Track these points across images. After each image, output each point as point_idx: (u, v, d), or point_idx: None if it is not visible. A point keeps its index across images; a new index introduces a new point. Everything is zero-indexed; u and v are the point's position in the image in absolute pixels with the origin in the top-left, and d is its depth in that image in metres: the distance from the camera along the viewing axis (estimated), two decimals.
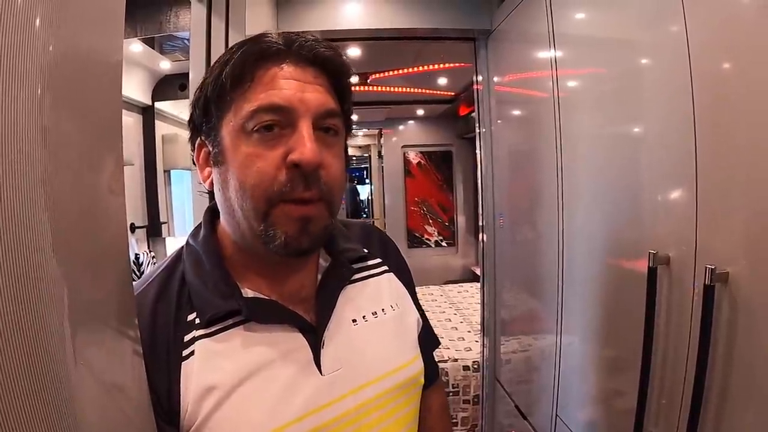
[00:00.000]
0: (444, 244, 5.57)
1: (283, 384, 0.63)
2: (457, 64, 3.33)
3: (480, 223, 2.25)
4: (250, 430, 0.61)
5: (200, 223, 0.72)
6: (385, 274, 0.81)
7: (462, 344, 3.00)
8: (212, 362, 0.61)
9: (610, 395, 1.16)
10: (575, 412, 1.32)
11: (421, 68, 3.46)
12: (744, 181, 0.77)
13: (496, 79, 1.99)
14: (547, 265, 1.45)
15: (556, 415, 1.39)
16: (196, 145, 0.67)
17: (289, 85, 0.60)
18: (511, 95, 1.88)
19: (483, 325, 2.25)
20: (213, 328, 0.63)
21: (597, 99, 1.21)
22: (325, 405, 0.65)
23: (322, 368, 0.66)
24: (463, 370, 2.71)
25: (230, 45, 0.66)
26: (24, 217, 0.36)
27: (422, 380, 0.79)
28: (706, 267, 0.80)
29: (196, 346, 0.62)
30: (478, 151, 2.19)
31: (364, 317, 0.73)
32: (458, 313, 3.73)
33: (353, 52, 2.60)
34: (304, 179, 0.59)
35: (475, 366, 2.69)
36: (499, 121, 2.00)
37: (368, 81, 3.62)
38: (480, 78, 2.10)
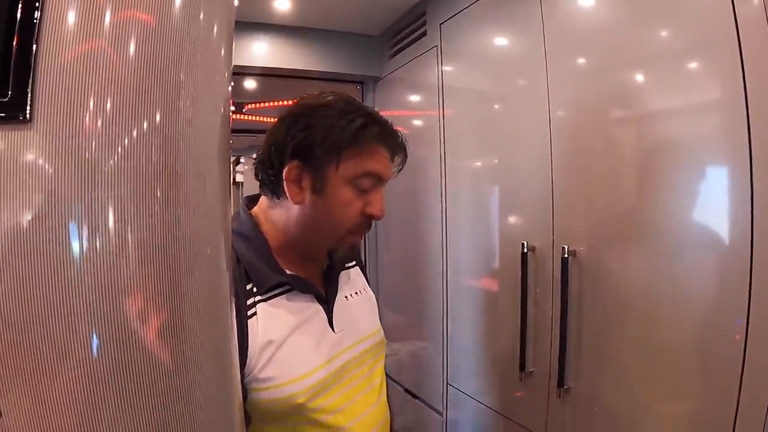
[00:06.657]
0: None
1: (314, 338, 0.89)
2: None
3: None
4: (295, 371, 0.84)
5: (237, 212, 0.94)
6: (355, 268, 1.12)
7: None
8: (270, 320, 0.84)
9: (497, 352, 1.52)
10: (465, 380, 1.67)
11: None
12: (582, 193, 1.20)
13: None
14: (434, 266, 1.80)
15: (448, 383, 1.73)
16: (288, 165, 0.86)
17: (385, 161, 0.91)
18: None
19: None
20: (268, 295, 0.86)
21: (479, 136, 1.62)
22: (338, 354, 0.91)
23: (334, 328, 0.93)
24: None
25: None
26: None
27: (386, 342, 1.09)
28: (562, 247, 1.21)
29: (258, 308, 0.84)
30: None
31: (351, 295, 1.03)
32: None
33: (249, 84, 2.75)
34: (369, 224, 0.91)
35: None
36: None
37: (243, 110, 3.70)
38: None
